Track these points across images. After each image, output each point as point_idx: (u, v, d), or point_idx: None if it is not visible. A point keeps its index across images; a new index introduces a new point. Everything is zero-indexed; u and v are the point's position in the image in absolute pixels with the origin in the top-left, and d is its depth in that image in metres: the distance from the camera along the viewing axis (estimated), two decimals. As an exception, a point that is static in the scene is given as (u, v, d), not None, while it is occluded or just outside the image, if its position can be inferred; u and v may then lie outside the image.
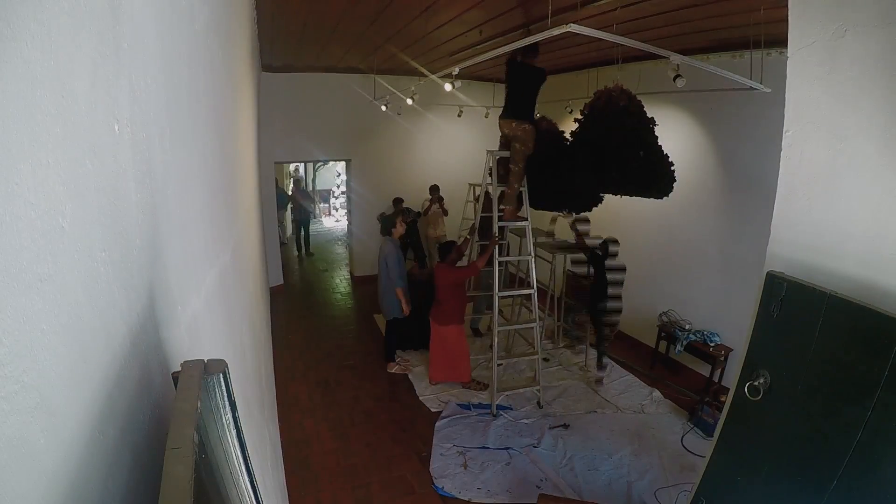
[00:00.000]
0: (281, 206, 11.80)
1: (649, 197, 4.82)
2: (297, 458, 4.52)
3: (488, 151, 5.65)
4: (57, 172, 0.52)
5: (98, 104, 0.66)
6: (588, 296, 6.37)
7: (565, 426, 5.14)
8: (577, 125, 5.08)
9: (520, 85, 5.16)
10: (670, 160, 4.64)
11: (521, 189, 5.46)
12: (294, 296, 9.40)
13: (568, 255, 6.94)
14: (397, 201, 9.38)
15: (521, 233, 6.23)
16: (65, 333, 0.53)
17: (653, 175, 4.61)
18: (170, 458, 0.59)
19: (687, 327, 6.03)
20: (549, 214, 7.08)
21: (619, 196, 5.07)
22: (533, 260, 5.73)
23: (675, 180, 4.69)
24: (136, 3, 0.87)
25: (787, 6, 1.96)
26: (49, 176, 0.51)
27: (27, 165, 0.46)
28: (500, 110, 5.33)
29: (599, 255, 6.19)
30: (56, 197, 0.52)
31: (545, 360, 6.54)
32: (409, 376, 6.17)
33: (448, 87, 5.95)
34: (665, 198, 4.76)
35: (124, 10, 0.79)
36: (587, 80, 5.65)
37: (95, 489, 0.58)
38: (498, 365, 5.50)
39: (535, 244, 5.96)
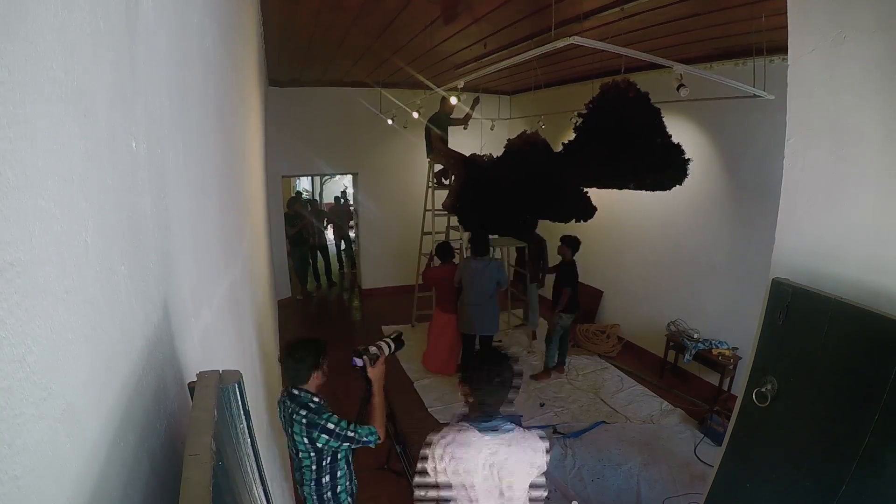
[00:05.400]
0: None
1: (663, 186, 4.80)
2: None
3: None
4: (80, 188, 0.54)
5: (117, 122, 0.69)
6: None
7: (574, 436, 5.12)
8: (580, 119, 5.10)
9: None
10: (682, 148, 4.68)
11: None
12: (302, 308, 9.41)
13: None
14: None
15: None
16: (88, 343, 0.55)
17: (667, 160, 4.62)
18: (188, 464, 0.60)
19: (695, 336, 6.00)
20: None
21: (621, 189, 5.13)
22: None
23: (688, 169, 4.70)
24: (151, 22, 0.89)
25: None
26: (73, 192, 0.53)
27: (53, 182, 0.48)
28: (506, 122, 5.47)
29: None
30: (80, 212, 0.54)
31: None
32: (418, 389, 6.14)
33: (454, 100, 6.03)
34: (678, 186, 4.77)
35: (140, 31, 0.82)
36: (591, 90, 5.65)
37: (116, 493, 0.59)
38: None
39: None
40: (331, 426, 2.40)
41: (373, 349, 2.79)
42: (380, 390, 2.73)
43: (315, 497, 2.58)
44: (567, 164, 5.24)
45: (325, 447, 2.43)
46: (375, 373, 2.75)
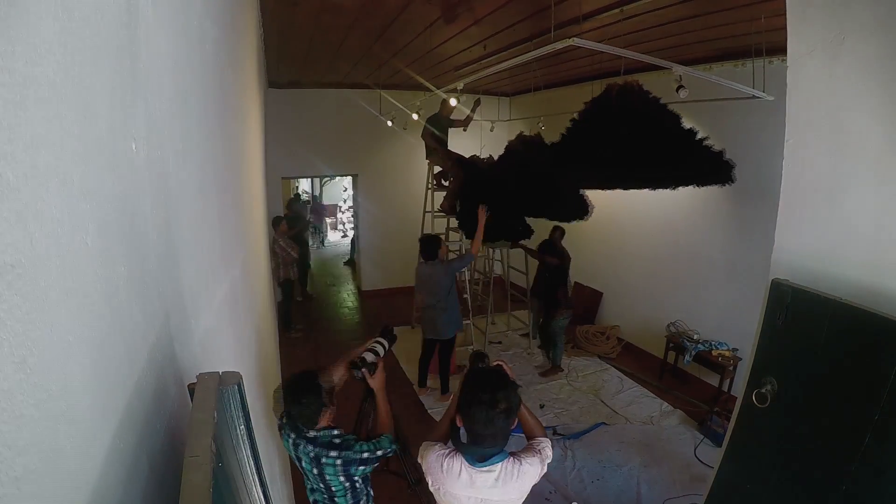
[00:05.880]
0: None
1: (717, 180, 4.67)
2: (306, 472, 4.49)
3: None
4: (80, 190, 0.55)
5: (117, 124, 0.69)
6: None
7: (574, 437, 5.12)
8: (579, 119, 5.02)
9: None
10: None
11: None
12: (302, 310, 9.40)
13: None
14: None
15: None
16: (88, 345, 0.55)
17: (716, 155, 4.51)
18: (189, 466, 0.60)
19: (695, 337, 5.99)
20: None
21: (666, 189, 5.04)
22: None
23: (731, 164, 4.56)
24: (151, 24, 0.90)
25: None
26: (73, 193, 0.53)
27: (54, 183, 0.48)
28: (506, 123, 5.44)
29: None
30: (80, 214, 0.54)
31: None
32: (417, 390, 6.14)
33: (454, 101, 6.03)
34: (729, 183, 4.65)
35: (140, 33, 0.82)
36: (591, 92, 5.67)
37: (116, 495, 0.59)
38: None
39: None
40: (366, 455, 2.32)
41: (369, 357, 2.69)
42: (384, 398, 2.67)
43: None
44: (567, 164, 5.17)
45: (363, 475, 2.39)
46: (377, 382, 2.66)
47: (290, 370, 5.96)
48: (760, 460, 2.02)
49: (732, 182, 4.60)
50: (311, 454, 2.30)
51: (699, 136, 4.52)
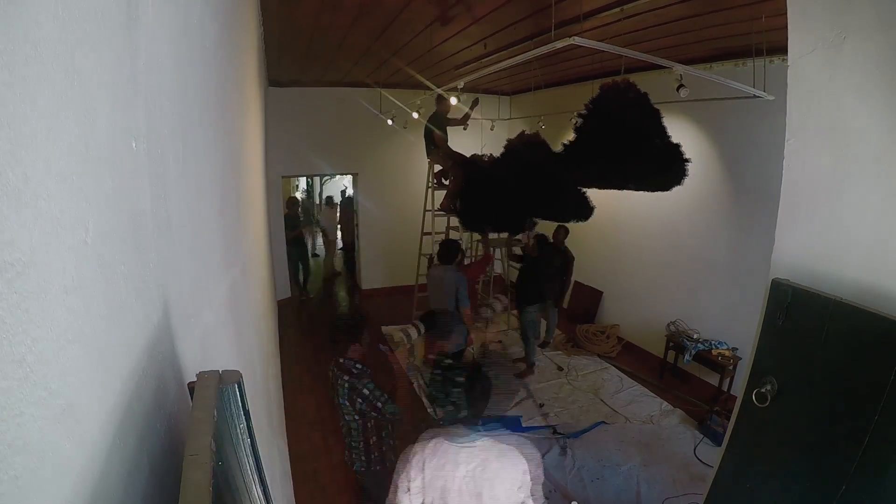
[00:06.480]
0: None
1: (663, 187, 4.76)
2: (305, 471, 4.49)
3: None
4: (80, 188, 0.54)
5: (117, 122, 0.69)
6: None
7: (574, 436, 5.12)
8: (580, 120, 5.06)
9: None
10: (682, 149, 4.61)
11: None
12: (302, 309, 9.42)
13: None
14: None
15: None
16: (88, 343, 0.55)
17: (667, 162, 4.57)
18: (188, 465, 0.60)
19: (695, 336, 6.00)
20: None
21: (621, 190, 5.16)
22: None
23: (687, 170, 4.64)
24: (151, 21, 0.89)
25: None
26: (73, 192, 0.53)
27: (53, 182, 0.48)
28: (506, 122, 5.42)
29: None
30: (80, 212, 0.54)
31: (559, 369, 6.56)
32: (418, 390, 6.12)
33: (454, 100, 6.03)
34: (678, 186, 4.71)
35: (140, 30, 0.82)
36: (591, 91, 5.66)
37: (116, 493, 0.59)
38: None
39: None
40: (366, 392, 2.73)
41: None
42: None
43: (364, 458, 2.93)
44: (567, 165, 5.22)
45: (367, 411, 2.76)
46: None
47: (290, 370, 5.96)
48: (760, 460, 2.02)
49: (679, 185, 4.68)
50: (334, 377, 2.85)
51: (666, 136, 4.56)
